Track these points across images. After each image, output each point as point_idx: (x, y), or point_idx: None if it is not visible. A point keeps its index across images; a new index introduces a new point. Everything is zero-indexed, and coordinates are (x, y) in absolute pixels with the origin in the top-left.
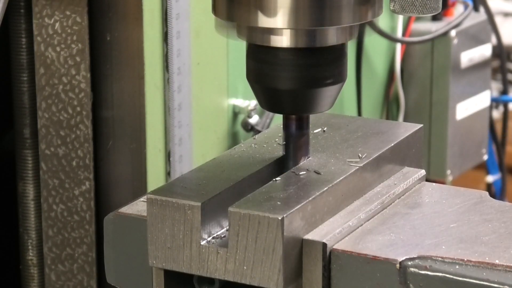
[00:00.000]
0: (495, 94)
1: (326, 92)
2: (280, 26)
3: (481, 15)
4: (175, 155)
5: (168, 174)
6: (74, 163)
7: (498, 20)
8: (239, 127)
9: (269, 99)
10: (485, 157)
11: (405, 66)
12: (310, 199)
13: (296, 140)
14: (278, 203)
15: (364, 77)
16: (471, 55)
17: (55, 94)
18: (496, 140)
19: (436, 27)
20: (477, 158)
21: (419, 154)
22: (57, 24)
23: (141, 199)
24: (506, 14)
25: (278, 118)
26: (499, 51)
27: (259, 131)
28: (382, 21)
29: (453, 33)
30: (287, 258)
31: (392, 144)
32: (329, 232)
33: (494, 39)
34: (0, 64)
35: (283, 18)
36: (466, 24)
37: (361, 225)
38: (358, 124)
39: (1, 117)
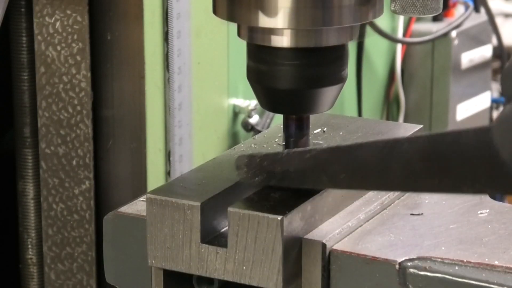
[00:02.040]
0: (496, 95)
1: (326, 93)
2: (280, 26)
3: (482, 16)
4: (175, 154)
5: (168, 173)
6: (74, 162)
7: (499, 21)
8: (239, 127)
9: (269, 99)
10: None
11: (405, 66)
12: (309, 199)
13: (296, 140)
14: (278, 203)
15: (365, 77)
16: (471, 56)
17: (55, 93)
18: None
19: (436, 28)
20: None
21: None
22: (57, 23)
23: (141, 198)
24: (507, 15)
25: (278, 118)
26: (500, 52)
27: (259, 131)
28: (383, 22)
29: (453, 33)
30: (287, 258)
31: None
32: (329, 232)
33: (494, 40)
34: (0, 63)
35: (284, 18)
36: (466, 25)
37: (361, 225)
38: (358, 125)
39: (1, 116)
